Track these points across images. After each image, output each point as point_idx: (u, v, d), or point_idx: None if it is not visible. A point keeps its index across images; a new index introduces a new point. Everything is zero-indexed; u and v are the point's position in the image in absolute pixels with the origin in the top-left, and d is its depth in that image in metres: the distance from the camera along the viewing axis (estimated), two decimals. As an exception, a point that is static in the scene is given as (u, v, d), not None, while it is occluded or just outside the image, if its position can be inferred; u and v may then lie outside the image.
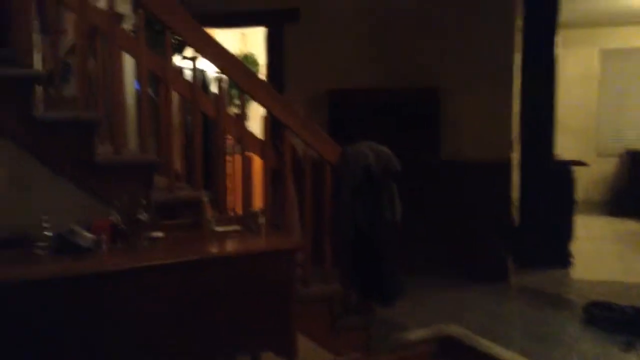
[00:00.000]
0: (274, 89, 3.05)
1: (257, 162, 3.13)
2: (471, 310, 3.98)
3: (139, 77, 2.72)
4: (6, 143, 2.32)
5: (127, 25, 3.41)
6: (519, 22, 4.75)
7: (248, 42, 6.90)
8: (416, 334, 3.43)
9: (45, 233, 2.16)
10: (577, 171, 5.27)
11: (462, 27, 4.72)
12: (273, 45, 5.06)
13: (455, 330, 3.50)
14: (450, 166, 4.75)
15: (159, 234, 2.46)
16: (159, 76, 3.01)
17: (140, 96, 2.75)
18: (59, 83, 2.71)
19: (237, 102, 5.80)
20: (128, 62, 3.30)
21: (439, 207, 4.75)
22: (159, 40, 2.84)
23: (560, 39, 5.24)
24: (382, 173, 3.03)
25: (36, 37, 2.46)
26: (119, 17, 3.17)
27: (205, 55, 2.79)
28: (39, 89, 2.49)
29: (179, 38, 2.87)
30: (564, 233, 5.16)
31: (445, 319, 3.69)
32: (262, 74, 5.75)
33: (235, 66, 2.87)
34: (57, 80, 2.69)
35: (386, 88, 4.83)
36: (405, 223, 3.10)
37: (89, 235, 2.24)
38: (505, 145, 4.69)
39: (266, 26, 5.11)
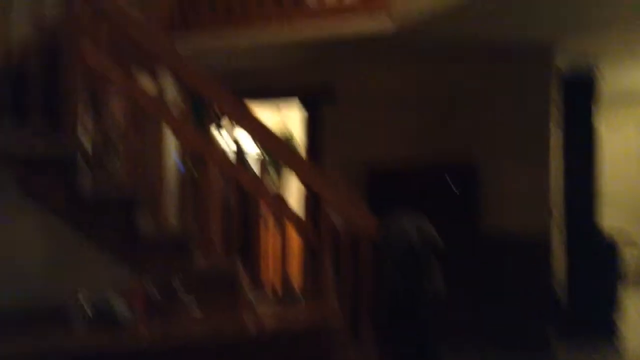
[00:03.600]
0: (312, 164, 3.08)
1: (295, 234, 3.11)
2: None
3: (180, 153, 2.79)
4: (48, 216, 2.37)
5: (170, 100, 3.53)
6: (556, 97, 4.77)
7: (285, 119, 7.05)
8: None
9: (81, 303, 2.16)
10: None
11: (497, 102, 4.76)
12: (310, 127, 5.17)
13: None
14: (489, 240, 4.65)
15: (195, 307, 2.42)
16: (200, 151, 3.08)
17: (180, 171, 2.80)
18: (104, 159, 2.80)
19: (275, 176, 5.83)
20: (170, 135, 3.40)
21: (479, 280, 4.60)
22: (200, 115, 2.93)
23: (601, 113, 5.23)
24: (424, 249, 2.96)
25: (84, 116, 2.58)
26: (163, 94, 3.30)
27: (245, 129, 2.85)
28: (84, 166, 2.57)
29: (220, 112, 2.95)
30: (610, 305, 4.93)
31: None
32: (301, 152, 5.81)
33: (273, 141, 2.92)
34: (103, 156, 2.77)
35: (424, 164, 4.83)
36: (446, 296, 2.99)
37: (124, 306, 2.21)
38: (544, 219, 4.58)
39: (305, 107, 5.24)
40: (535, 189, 4.62)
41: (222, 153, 3.60)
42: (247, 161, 5.22)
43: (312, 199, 2.98)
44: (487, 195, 4.69)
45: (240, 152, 2.91)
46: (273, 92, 5.30)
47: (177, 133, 2.91)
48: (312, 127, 5.19)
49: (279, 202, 2.96)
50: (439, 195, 4.76)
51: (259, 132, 2.86)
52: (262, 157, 2.98)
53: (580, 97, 5.04)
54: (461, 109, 4.84)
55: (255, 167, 3.03)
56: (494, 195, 4.68)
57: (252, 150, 5.25)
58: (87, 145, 2.65)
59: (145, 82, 3.44)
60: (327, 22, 4.26)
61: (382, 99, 5.00)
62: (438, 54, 4.64)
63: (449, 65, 4.79)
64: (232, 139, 2.90)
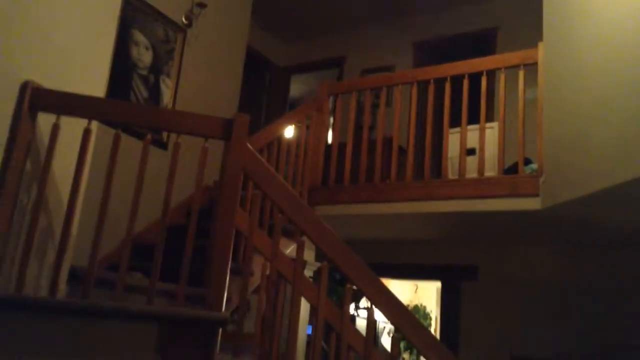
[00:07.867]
0: (445, 347, 2.86)
1: None
2: None
3: (314, 324, 2.75)
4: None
5: (308, 272, 3.59)
6: None
7: (420, 293, 6.87)
8: None
9: None
10: None
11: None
12: (447, 301, 4.93)
13: None
14: None
15: None
16: (333, 325, 3.02)
17: (312, 342, 2.74)
18: (241, 321, 2.82)
19: (405, 356, 5.54)
20: (303, 306, 3.39)
21: None
22: (336, 289, 2.92)
23: None
24: None
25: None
26: (304, 265, 3.36)
27: (378, 306, 2.78)
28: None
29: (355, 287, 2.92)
30: None
31: None
32: (433, 327, 5.54)
33: (406, 319, 2.79)
34: (240, 318, 2.80)
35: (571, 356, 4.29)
36: None
37: None
38: None
39: (442, 281, 5.05)
40: None
41: (354, 327, 3.52)
42: (378, 336, 5.08)
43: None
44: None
45: (373, 331, 2.80)
46: (413, 272, 5.19)
47: (311, 302, 2.90)
48: (449, 301, 4.95)
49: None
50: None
51: (392, 309, 2.76)
52: (395, 335, 2.84)
53: None
54: (613, 302, 4.35)
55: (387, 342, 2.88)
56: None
57: (383, 324, 5.11)
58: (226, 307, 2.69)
59: (287, 248, 3.56)
60: (469, 196, 4.14)
61: (527, 282, 4.65)
62: (589, 238, 4.30)
63: (599, 250, 4.41)
64: (368, 316, 2.82)
